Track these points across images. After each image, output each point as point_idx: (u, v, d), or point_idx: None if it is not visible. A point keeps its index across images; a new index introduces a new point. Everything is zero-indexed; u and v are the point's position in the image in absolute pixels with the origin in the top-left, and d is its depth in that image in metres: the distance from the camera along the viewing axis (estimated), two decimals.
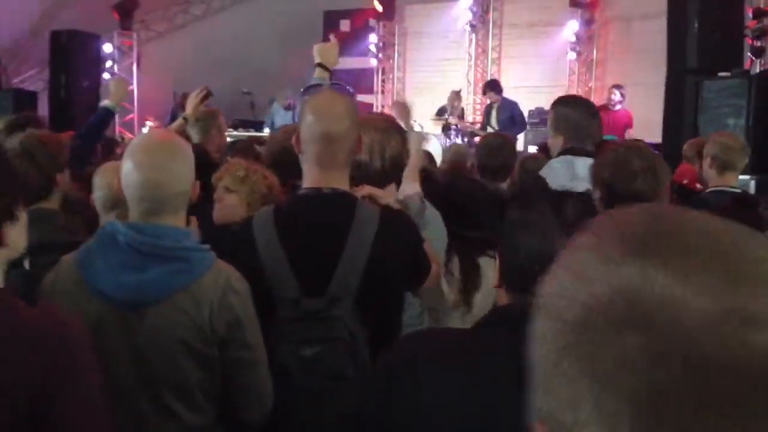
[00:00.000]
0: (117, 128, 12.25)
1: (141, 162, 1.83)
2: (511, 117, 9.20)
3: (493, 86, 9.67)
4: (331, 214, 1.96)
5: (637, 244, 0.51)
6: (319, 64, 3.24)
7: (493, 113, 9.44)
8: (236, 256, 1.94)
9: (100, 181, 2.50)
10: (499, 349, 1.22)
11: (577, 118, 2.83)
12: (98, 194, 2.51)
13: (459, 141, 9.25)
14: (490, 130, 8.90)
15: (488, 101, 9.69)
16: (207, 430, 1.92)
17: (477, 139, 8.26)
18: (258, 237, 1.95)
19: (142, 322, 1.82)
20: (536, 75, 12.09)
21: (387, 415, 1.24)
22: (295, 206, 2.04)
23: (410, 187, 2.77)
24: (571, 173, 2.71)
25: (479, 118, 10.95)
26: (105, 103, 4.13)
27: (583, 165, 2.67)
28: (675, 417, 0.45)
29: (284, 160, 3.17)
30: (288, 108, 9.48)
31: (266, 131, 9.23)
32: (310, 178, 2.02)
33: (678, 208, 0.56)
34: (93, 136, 4.06)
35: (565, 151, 2.80)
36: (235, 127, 9.94)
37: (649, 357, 0.46)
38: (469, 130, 9.43)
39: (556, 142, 2.87)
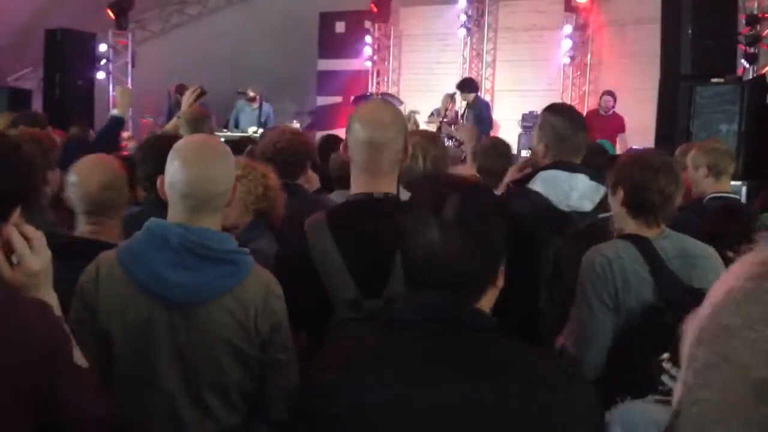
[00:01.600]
0: None
1: (188, 159, 1.87)
2: (476, 115, 9.26)
3: (461, 85, 9.70)
4: (383, 217, 1.95)
5: None
6: None
7: (465, 112, 9.53)
8: (289, 259, 2.07)
9: (73, 178, 2.38)
10: (395, 343, 1.28)
11: (562, 129, 2.80)
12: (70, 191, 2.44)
13: (452, 143, 9.28)
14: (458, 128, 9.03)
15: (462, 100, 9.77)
16: (239, 429, 1.97)
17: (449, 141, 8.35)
18: (312, 241, 1.99)
19: (190, 321, 1.87)
20: (530, 79, 12.13)
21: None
22: (348, 211, 2.08)
23: None
24: (568, 190, 2.70)
25: None
26: (113, 112, 4.43)
27: (581, 180, 2.67)
28: None
29: (276, 160, 3.20)
30: (252, 101, 9.46)
31: (225, 131, 9.18)
32: (358, 184, 2.07)
33: None
34: (107, 142, 4.22)
35: (555, 165, 2.76)
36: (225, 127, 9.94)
37: None
38: (447, 132, 9.47)
39: (538, 148, 2.87)
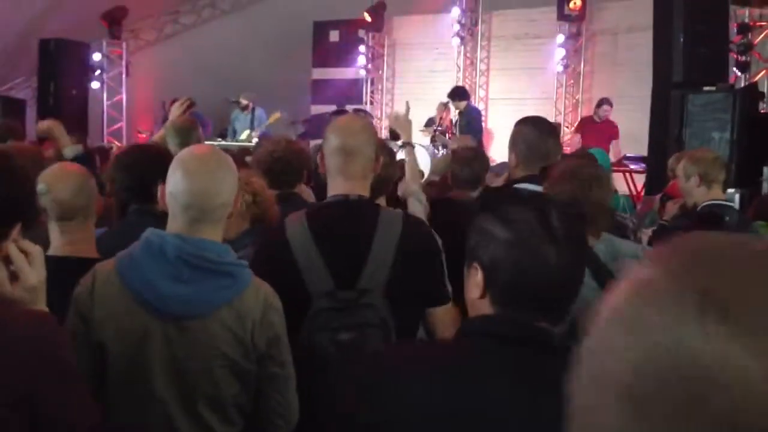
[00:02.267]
0: (105, 137, 12.24)
1: (191, 170, 1.87)
2: (468, 123, 9.31)
3: (453, 93, 9.75)
4: (358, 216, 2.19)
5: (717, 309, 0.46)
6: (405, 143, 3.36)
7: (457, 120, 9.60)
8: (270, 255, 2.18)
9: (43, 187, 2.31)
10: (487, 359, 1.24)
11: (530, 136, 2.87)
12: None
13: (445, 152, 9.31)
14: (450, 136, 9.08)
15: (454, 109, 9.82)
16: None
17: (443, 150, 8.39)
18: (291, 237, 2.15)
19: (186, 334, 1.85)
20: (524, 87, 12.17)
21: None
22: (326, 210, 2.25)
23: (415, 205, 2.90)
24: None
25: None
26: (69, 153, 3.84)
27: None
28: None
29: (272, 169, 3.21)
30: (245, 109, 9.48)
31: (219, 141, 9.17)
32: (334, 187, 2.23)
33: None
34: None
35: (526, 179, 2.81)
36: (222, 137, 9.94)
37: None
38: (442, 141, 9.50)
39: (510, 159, 2.96)
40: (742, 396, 0.43)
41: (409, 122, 3.33)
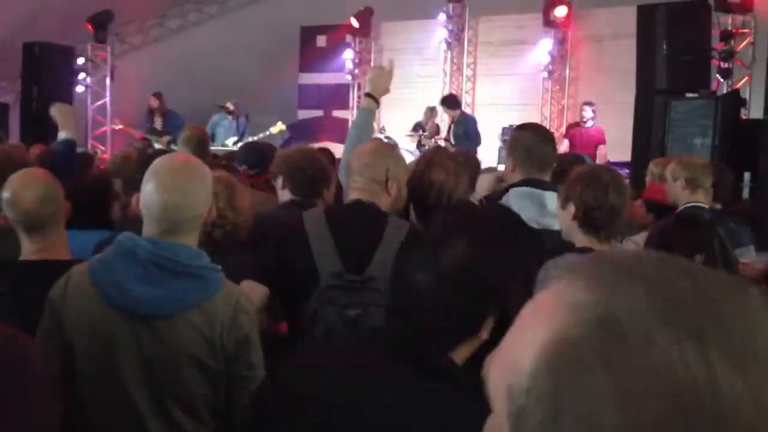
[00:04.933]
0: (89, 142, 12.18)
1: (164, 184, 1.88)
2: (465, 132, 9.33)
3: (446, 101, 9.78)
4: (371, 216, 2.40)
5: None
6: (368, 94, 3.18)
7: (452, 128, 9.59)
8: (286, 236, 2.39)
9: (7, 195, 2.29)
10: (373, 369, 1.25)
11: (528, 142, 2.90)
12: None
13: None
14: (445, 144, 9.07)
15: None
16: None
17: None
18: (308, 222, 2.36)
19: (155, 334, 1.87)
20: (510, 93, 12.21)
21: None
22: (342, 208, 2.55)
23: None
24: (540, 207, 2.75)
25: None
26: (62, 135, 3.86)
27: (551, 199, 2.70)
28: None
29: (296, 178, 3.19)
30: (231, 114, 9.47)
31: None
32: (349, 197, 2.49)
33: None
34: (61, 171, 3.84)
35: (524, 182, 2.82)
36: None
37: None
38: (428, 146, 9.52)
39: (507, 163, 2.97)
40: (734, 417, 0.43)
41: (388, 77, 3.18)
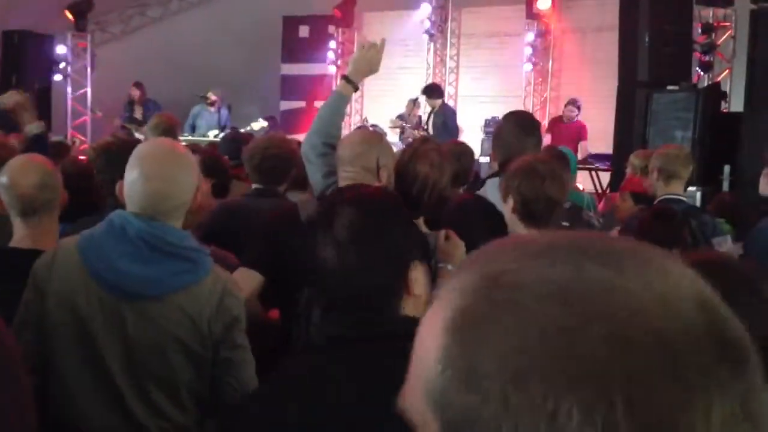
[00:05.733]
0: (70, 131, 12.05)
1: (149, 173, 1.85)
2: (444, 123, 9.34)
3: (427, 90, 9.76)
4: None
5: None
6: (345, 77, 2.90)
7: (431, 118, 9.60)
8: (283, 230, 2.35)
9: (4, 180, 2.26)
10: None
11: (507, 137, 2.94)
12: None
13: None
14: (421, 134, 9.09)
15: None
16: (191, 430, 1.95)
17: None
18: (303, 213, 2.30)
19: (141, 314, 1.84)
20: (493, 84, 12.23)
21: None
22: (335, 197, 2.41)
23: None
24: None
25: None
26: (32, 130, 3.58)
27: None
28: None
29: (260, 166, 3.21)
30: (212, 105, 9.41)
31: (186, 136, 9.07)
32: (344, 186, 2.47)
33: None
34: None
35: (496, 174, 2.85)
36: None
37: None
38: (411, 137, 9.52)
39: (491, 155, 3.01)
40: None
41: (376, 56, 2.90)
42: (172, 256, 1.85)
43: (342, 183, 2.44)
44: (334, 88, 14.03)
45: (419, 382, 0.50)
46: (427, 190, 2.69)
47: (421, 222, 2.48)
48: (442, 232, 2.36)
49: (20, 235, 2.27)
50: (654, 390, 0.42)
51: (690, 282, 0.48)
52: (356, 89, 2.90)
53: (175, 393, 1.90)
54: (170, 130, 4.34)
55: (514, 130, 2.93)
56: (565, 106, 9.65)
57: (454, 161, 3.74)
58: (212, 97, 9.37)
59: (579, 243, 0.50)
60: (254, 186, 3.28)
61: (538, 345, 0.45)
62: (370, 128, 8.53)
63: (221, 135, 8.17)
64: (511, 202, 2.44)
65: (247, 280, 2.27)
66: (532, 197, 2.38)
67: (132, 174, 1.86)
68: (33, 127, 3.61)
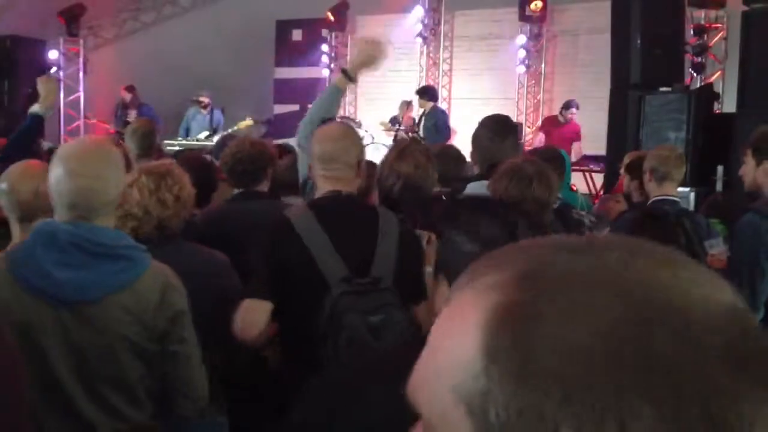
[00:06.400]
0: (63, 136, 12.01)
1: (74, 170, 1.83)
2: (435, 125, 9.37)
3: (422, 92, 9.78)
4: (360, 210, 2.39)
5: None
6: (344, 71, 3.03)
7: (422, 120, 9.62)
8: (279, 245, 2.28)
9: (4, 186, 2.29)
10: None
11: (484, 141, 2.98)
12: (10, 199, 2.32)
13: None
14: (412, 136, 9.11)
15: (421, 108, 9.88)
16: (146, 426, 1.95)
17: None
18: (298, 227, 2.25)
19: (80, 319, 1.83)
20: (486, 87, 12.23)
21: None
22: (327, 202, 2.39)
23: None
24: None
25: None
26: (34, 108, 3.61)
27: None
28: None
29: (235, 169, 3.22)
30: (205, 108, 9.40)
31: (179, 140, 9.07)
32: (323, 188, 2.41)
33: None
34: (20, 148, 3.38)
35: (480, 177, 2.86)
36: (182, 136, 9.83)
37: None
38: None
39: (471, 159, 3.04)
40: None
41: (378, 53, 3.00)
42: (106, 257, 1.84)
43: (325, 181, 2.40)
44: None
45: (441, 379, 0.48)
46: (409, 190, 2.73)
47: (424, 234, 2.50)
48: (426, 235, 2.38)
49: (18, 239, 2.28)
50: (720, 389, 0.42)
51: (723, 287, 0.48)
52: (353, 81, 3.03)
53: (129, 390, 1.91)
54: (148, 135, 4.29)
55: (488, 134, 2.97)
56: (565, 108, 9.65)
57: (451, 164, 3.77)
58: (204, 100, 9.37)
59: (613, 239, 0.51)
60: (236, 190, 3.29)
61: (600, 340, 0.43)
62: (338, 120, 8.51)
63: (215, 138, 8.18)
64: None
65: (257, 312, 2.21)
66: (521, 198, 2.39)
67: (56, 172, 1.84)
68: (37, 107, 3.61)
